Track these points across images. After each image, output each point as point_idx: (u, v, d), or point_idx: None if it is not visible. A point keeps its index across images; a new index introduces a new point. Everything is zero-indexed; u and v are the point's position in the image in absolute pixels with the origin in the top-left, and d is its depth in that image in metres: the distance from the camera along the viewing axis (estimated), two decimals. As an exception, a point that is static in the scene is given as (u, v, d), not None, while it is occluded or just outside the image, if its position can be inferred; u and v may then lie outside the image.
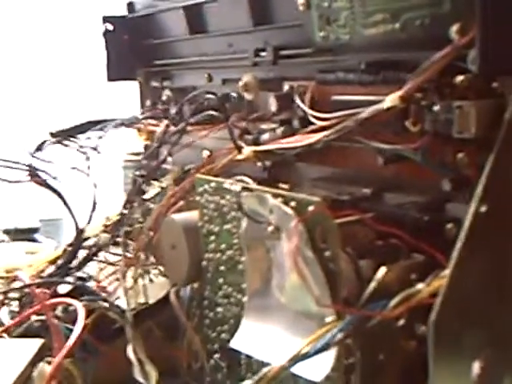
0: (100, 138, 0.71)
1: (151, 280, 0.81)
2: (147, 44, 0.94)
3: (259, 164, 0.70)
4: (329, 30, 0.59)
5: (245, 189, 0.54)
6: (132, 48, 0.95)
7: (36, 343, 0.55)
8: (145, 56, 0.95)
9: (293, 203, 0.50)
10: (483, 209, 0.46)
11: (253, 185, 0.55)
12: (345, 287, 0.48)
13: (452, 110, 0.48)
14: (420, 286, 0.47)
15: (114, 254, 0.74)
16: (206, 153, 0.80)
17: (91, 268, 0.83)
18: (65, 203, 0.70)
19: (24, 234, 1.40)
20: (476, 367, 0.47)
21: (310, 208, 0.48)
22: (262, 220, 0.52)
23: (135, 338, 0.63)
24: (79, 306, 0.58)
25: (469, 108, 0.47)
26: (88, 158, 0.70)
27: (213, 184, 0.59)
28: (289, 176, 0.68)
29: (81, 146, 0.70)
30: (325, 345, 0.45)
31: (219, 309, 0.61)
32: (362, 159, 0.59)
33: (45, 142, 0.72)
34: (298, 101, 0.63)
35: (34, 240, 1.42)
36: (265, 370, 0.45)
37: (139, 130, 0.87)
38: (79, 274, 0.77)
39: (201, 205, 0.61)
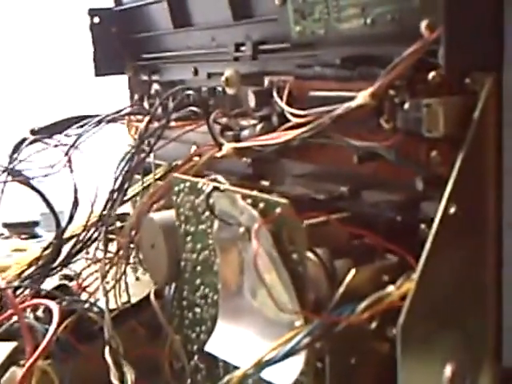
0: (80, 135, 0.70)
1: (138, 278, 0.81)
2: (135, 37, 0.93)
3: (244, 160, 0.69)
4: (304, 25, 0.58)
5: (216, 189, 0.53)
6: (120, 41, 0.93)
7: (8, 347, 0.55)
8: (133, 49, 0.94)
9: (261, 204, 0.49)
10: (452, 210, 0.45)
11: (225, 185, 0.54)
12: (313, 291, 0.48)
13: (421, 108, 0.46)
14: (390, 288, 0.46)
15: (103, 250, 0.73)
16: (194, 148, 0.79)
17: (79, 265, 0.83)
18: (46, 202, 0.70)
19: (24, 228, 1.39)
20: (447, 371, 0.46)
21: (278, 210, 0.47)
22: (232, 221, 0.51)
23: (113, 339, 0.62)
24: (54, 308, 0.58)
25: (437, 106, 0.45)
26: (69, 156, 0.69)
27: (187, 183, 0.58)
28: (272, 172, 0.67)
29: (61, 144, 0.69)
30: (291, 350, 0.44)
31: (197, 309, 0.61)
32: (340, 157, 0.58)
33: (24, 140, 0.71)
34: (275, 97, 0.62)
35: (34, 234, 1.42)
36: (227, 377, 0.44)
37: (127, 125, 0.86)
38: (65, 271, 0.77)
39: (177, 204, 0.60)
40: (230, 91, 0.70)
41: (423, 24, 0.46)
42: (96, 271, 0.71)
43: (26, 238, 1.28)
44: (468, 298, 0.46)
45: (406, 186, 0.51)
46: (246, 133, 0.66)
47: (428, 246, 0.44)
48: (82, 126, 0.71)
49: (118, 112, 0.75)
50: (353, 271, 0.47)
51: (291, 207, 0.47)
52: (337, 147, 0.57)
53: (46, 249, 0.70)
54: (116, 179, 0.69)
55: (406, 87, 0.49)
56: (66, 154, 0.68)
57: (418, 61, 0.47)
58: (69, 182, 0.71)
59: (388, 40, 0.51)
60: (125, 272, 0.70)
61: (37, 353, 0.53)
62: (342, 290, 0.47)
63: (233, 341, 0.52)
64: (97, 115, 0.73)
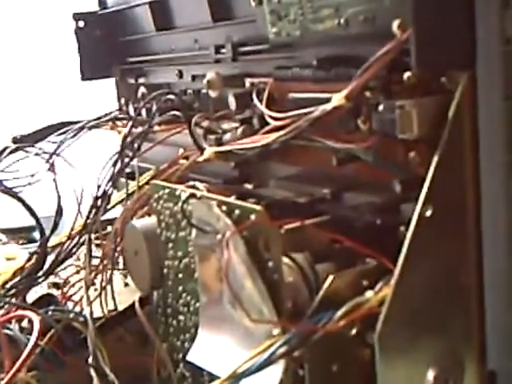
0: (62, 142, 0.69)
1: (127, 284, 0.80)
2: (121, 40, 0.92)
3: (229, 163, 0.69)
4: (280, 26, 0.57)
5: (192, 196, 0.52)
6: (105, 45, 0.93)
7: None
8: (119, 53, 0.93)
9: (237, 211, 0.48)
10: (428, 212, 0.44)
11: (203, 191, 0.53)
12: (291, 298, 0.47)
13: (394, 109, 0.45)
14: (369, 294, 0.46)
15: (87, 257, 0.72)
16: (181, 151, 0.78)
17: (69, 273, 0.82)
18: (29, 210, 0.69)
19: (22, 233, 1.39)
20: (430, 376, 0.45)
21: (252, 217, 0.46)
22: (209, 229, 0.50)
23: (98, 349, 0.62)
24: (35, 319, 0.57)
25: (410, 107, 0.44)
26: (51, 164, 0.68)
27: (166, 190, 0.58)
28: (256, 175, 0.66)
29: (42, 152, 0.69)
30: (267, 360, 0.43)
31: (181, 317, 0.60)
32: (320, 159, 0.57)
33: (6, 148, 0.70)
34: (255, 99, 0.61)
35: (31, 238, 1.41)
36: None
37: (116, 130, 0.85)
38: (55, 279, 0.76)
39: (157, 211, 0.60)
40: (212, 94, 0.70)
41: (395, 24, 0.45)
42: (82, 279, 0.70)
43: (23, 243, 1.27)
44: (449, 301, 0.46)
45: (386, 189, 0.50)
46: (228, 136, 0.65)
47: (404, 250, 0.43)
48: (64, 133, 0.71)
49: (100, 118, 0.74)
50: (330, 277, 0.46)
51: (266, 214, 0.46)
52: (317, 149, 0.57)
53: (29, 258, 0.70)
54: (99, 185, 0.69)
55: (380, 88, 0.48)
56: (47, 161, 0.67)
57: (392, 61, 0.46)
58: (54, 188, 0.71)
59: (362, 40, 0.50)
60: (111, 279, 0.69)
61: (16, 365, 0.53)
62: (319, 296, 0.46)
63: (214, 350, 0.51)
64: (79, 121, 0.73)
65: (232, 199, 0.50)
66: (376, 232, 0.50)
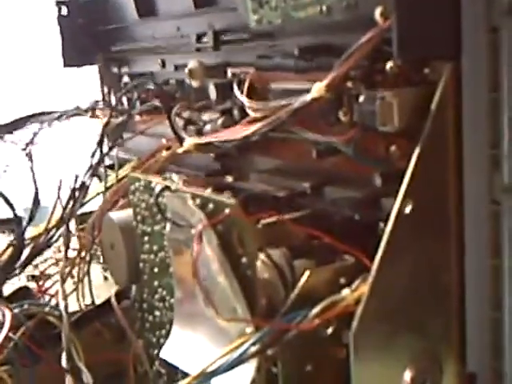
0: (37, 132, 0.67)
1: (106, 278, 0.78)
2: (104, 28, 0.90)
3: (211, 154, 0.67)
4: (262, 14, 0.55)
5: (167, 189, 0.50)
6: (89, 32, 0.90)
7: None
8: (102, 41, 0.91)
9: (211, 205, 0.46)
10: (408, 208, 0.42)
11: (178, 184, 0.52)
12: (266, 294, 0.45)
13: (375, 100, 0.44)
14: (345, 292, 0.44)
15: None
16: (164, 142, 0.76)
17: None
18: (6, 201, 0.67)
19: (7, 224, 1.37)
20: (407, 376, 0.44)
21: (226, 211, 0.45)
22: (184, 222, 0.48)
23: (72, 344, 0.60)
24: (6, 313, 0.55)
25: (391, 98, 0.43)
26: (28, 154, 0.67)
27: (142, 182, 0.56)
28: (236, 167, 0.65)
29: (19, 141, 0.67)
30: (238, 359, 0.42)
31: (157, 313, 0.58)
32: (302, 151, 0.55)
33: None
34: (235, 89, 0.59)
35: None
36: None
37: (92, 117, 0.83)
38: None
39: (134, 204, 0.58)
40: (194, 84, 0.68)
41: (377, 11, 0.43)
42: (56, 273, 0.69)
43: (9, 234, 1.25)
44: (428, 300, 0.44)
45: (366, 183, 0.48)
46: (209, 127, 0.64)
47: (382, 247, 0.42)
48: (42, 122, 0.69)
49: (78, 108, 0.72)
50: (306, 273, 0.45)
51: (240, 208, 0.44)
52: (299, 142, 0.55)
53: (5, 250, 0.68)
54: (77, 177, 0.67)
55: (361, 78, 0.46)
56: (24, 150, 0.66)
57: (374, 50, 0.44)
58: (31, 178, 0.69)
59: (345, 28, 0.48)
60: (88, 272, 0.68)
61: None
62: (294, 293, 0.45)
63: (187, 347, 0.50)
64: (56, 111, 0.71)
65: (207, 192, 0.48)
66: (355, 228, 0.48)
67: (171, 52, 0.76)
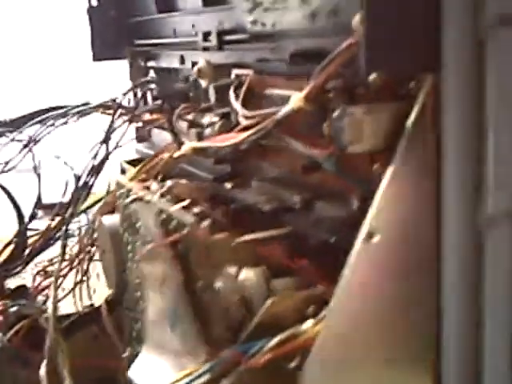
0: (41, 129, 0.66)
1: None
2: (133, 21, 0.88)
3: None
4: (256, 15, 0.52)
5: (139, 200, 0.48)
6: (118, 25, 0.89)
7: None
8: (130, 34, 0.89)
9: (174, 222, 0.43)
10: (375, 239, 0.38)
11: (150, 196, 0.49)
12: (223, 321, 0.42)
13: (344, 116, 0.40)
14: (307, 323, 0.40)
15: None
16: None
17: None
18: (9, 197, 0.66)
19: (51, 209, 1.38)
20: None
21: (185, 230, 0.42)
22: (149, 237, 0.46)
23: (60, 348, 0.58)
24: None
25: (361, 115, 0.39)
26: (31, 151, 0.65)
27: (125, 189, 0.54)
28: (236, 174, 0.61)
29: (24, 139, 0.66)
30: (184, 390, 0.39)
31: (139, 324, 0.56)
32: (292, 164, 0.52)
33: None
34: (231, 94, 0.56)
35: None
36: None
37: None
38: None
39: (119, 210, 0.56)
40: (203, 83, 0.65)
41: (355, 18, 0.39)
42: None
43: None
44: (395, 342, 0.40)
45: (347, 203, 0.45)
46: (208, 131, 0.61)
47: (343, 280, 0.38)
48: (48, 119, 0.67)
49: (85, 104, 0.70)
50: (269, 301, 0.42)
51: (198, 228, 0.41)
52: (290, 152, 0.51)
53: (6, 246, 0.67)
54: (80, 177, 0.65)
55: (342, 90, 0.42)
56: (26, 146, 0.64)
57: (353, 59, 0.40)
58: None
59: (330, 35, 0.44)
60: (86, 274, 0.66)
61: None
62: (254, 322, 0.41)
63: (151, 369, 0.47)
64: (65, 107, 0.69)
65: (172, 208, 0.45)
66: (330, 251, 0.44)
67: (188, 49, 0.73)
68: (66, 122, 0.68)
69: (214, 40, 0.62)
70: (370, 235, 0.38)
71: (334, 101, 0.43)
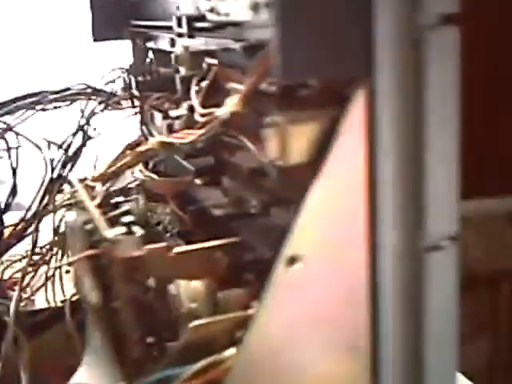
0: (17, 116, 0.63)
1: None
2: (133, 1, 0.85)
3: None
4: (213, 3, 0.48)
5: (75, 205, 0.45)
6: (119, 5, 0.86)
7: None
8: (131, 14, 0.85)
9: (97, 235, 0.40)
10: (297, 265, 0.34)
11: (87, 202, 0.46)
12: (139, 344, 0.39)
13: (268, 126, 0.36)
14: (230, 350, 0.37)
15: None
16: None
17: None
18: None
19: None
20: None
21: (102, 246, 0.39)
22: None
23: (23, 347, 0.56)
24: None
25: (285, 125, 0.35)
26: (6, 142, 0.63)
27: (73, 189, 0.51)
28: (205, 171, 0.58)
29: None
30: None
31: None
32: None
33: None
34: (192, 86, 0.52)
35: None
36: None
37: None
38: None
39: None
40: (181, 71, 0.61)
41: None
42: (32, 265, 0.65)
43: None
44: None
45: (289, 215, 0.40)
46: (177, 124, 0.57)
47: (259, 305, 0.34)
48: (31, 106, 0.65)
49: (63, 91, 0.67)
50: (193, 324, 0.38)
51: (115, 244, 0.38)
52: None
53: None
54: (53, 168, 0.63)
55: (269, 97, 0.38)
56: (2, 137, 0.62)
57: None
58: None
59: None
60: (60, 268, 0.64)
61: None
62: (177, 347, 0.38)
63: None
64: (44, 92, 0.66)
65: (102, 220, 0.42)
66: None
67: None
68: (43, 109, 0.65)
69: (184, 26, 0.58)
70: (291, 260, 0.34)
71: (268, 106, 0.38)
